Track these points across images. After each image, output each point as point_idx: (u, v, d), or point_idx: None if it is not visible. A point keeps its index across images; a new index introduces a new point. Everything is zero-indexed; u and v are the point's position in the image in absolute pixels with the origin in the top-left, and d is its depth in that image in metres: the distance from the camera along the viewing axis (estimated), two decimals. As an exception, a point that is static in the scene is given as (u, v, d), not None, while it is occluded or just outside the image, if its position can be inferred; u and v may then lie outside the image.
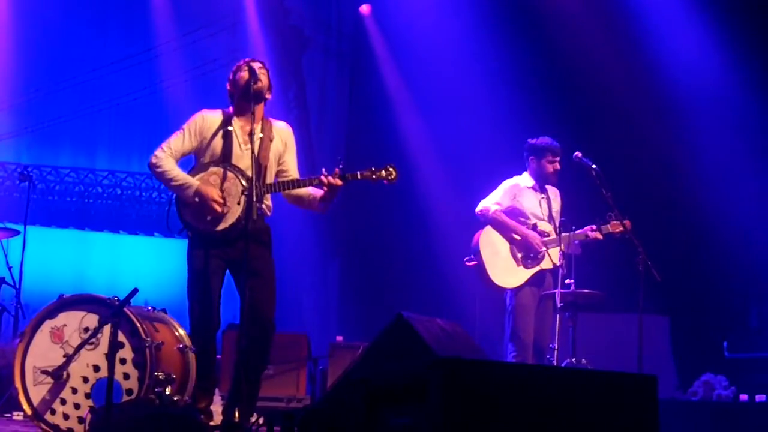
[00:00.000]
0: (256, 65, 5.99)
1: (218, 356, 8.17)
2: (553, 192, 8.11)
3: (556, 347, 7.45)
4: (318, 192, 6.01)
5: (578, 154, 7.64)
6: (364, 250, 12.54)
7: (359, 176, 5.89)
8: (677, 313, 10.11)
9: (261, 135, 5.95)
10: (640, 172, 10.53)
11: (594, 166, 7.52)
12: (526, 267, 7.78)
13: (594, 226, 7.76)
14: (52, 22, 13.60)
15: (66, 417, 5.59)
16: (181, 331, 6.01)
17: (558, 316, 7.50)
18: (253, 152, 5.72)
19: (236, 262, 5.81)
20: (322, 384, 8.52)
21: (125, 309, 5.50)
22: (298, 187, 5.98)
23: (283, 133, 6.14)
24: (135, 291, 5.46)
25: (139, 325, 5.57)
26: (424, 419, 3.73)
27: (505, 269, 7.79)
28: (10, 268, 9.12)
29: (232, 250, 5.82)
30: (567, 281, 7.53)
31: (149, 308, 6.05)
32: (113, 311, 5.39)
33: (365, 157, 12.82)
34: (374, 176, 5.91)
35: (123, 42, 14.00)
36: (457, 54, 11.53)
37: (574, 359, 7.48)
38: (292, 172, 6.13)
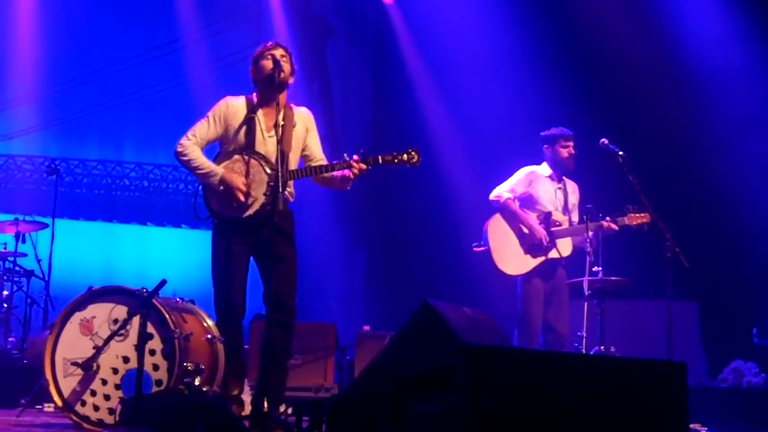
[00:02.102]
0: (278, 53, 6.03)
1: (246, 346, 8.28)
2: (571, 186, 8.20)
3: (584, 335, 7.43)
4: (341, 172, 6.06)
5: (604, 140, 7.63)
6: (390, 239, 12.53)
7: (380, 161, 5.96)
8: (706, 300, 10.04)
9: (283, 122, 5.96)
10: (667, 157, 10.46)
11: (620, 153, 7.50)
12: (533, 256, 7.89)
13: (609, 218, 7.75)
14: (77, 15, 13.65)
15: (96, 408, 5.62)
16: (209, 322, 6.03)
17: (586, 303, 7.49)
18: (279, 142, 5.80)
19: (260, 248, 5.93)
20: (350, 373, 8.54)
21: (154, 300, 5.52)
22: (323, 173, 6.05)
23: (304, 119, 6.19)
24: (163, 282, 5.50)
25: (167, 316, 5.59)
26: (452, 407, 3.73)
27: (511, 256, 7.91)
28: (39, 261, 9.20)
29: (256, 236, 5.92)
30: (595, 269, 7.51)
31: (177, 299, 6.07)
32: (142, 302, 5.42)
33: (391, 147, 12.80)
34: (396, 160, 5.98)
35: (148, 34, 14.05)
36: (480, 41, 11.49)
37: (602, 347, 7.48)
38: (317, 155, 6.22)
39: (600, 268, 7.53)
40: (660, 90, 10.62)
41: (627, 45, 10.63)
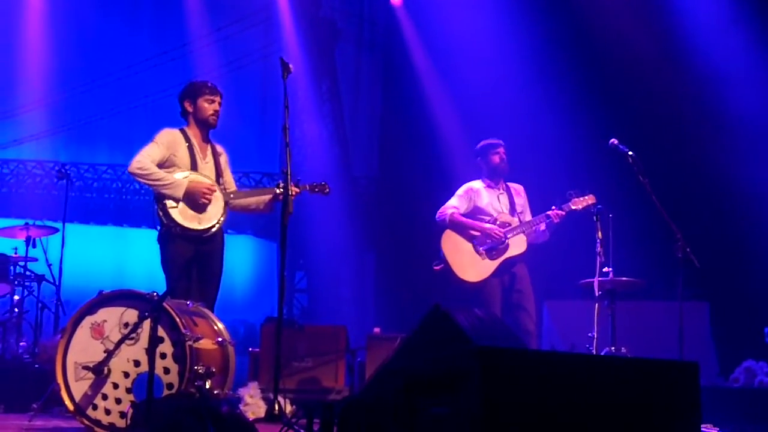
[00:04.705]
0: (218, 100, 6.80)
1: (257, 349, 8.32)
2: (516, 189, 8.35)
3: (595, 335, 7.42)
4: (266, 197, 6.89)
5: (614, 141, 7.61)
6: (399, 241, 12.54)
7: (308, 188, 6.83)
8: (717, 300, 10.03)
9: (213, 152, 6.83)
10: (678, 157, 10.45)
11: (630, 153, 7.48)
12: (491, 258, 7.99)
13: (554, 207, 7.94)
14: (87, 21, 13.72)
15: (108, 412, 5.62)
16: (220, 325, 6.04)
17: (597, 304, 7.48)
18: (215, 165, 6.62)
19: (203, 258, 6.62)
20: (361, 375, 8.54)
21: (164, 304, 5.53)
22: (260, 195, 6.94)
23: (224, 151, 6.97)
24: (174, 286, 5.52)
25: (178, 319, 5.59)
26: (463, 409, 3.72)
27: (470, 264, 8.01)
28: (50, 266, 9.21)
29: (204, 246, 6.60)
30: (605, 269, 7.49)
31: (188, 303, 6.08)
32: (153, 306, 5.43)
33: (399, 147, 12.85)
34: (316, 189, 6.88)
35: (157, 39, 14.10)
36: (489, 42, 11.48)
37: (613, 347, 7.46)
38: (233, 184, 6.98)
39: (610, 269, 7.52)
40: (671, 89, 10.60)
41: (637, 44, 10.62)
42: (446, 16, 11.86)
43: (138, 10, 14.53)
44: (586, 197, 7.89)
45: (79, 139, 14.53)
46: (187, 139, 6.70)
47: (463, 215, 8.15)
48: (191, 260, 6.54)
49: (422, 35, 12.53)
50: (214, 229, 6.58)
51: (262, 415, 6.07)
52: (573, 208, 7.89)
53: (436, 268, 8.11)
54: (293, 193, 6.36)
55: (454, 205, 8.19)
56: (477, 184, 8.30)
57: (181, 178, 6.53)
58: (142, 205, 14.51)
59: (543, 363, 3.95)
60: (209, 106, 6.75)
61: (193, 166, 6.64)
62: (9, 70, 13.50)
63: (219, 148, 6.92)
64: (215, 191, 6.57)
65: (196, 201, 6.49)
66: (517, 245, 8.00)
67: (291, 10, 13.27)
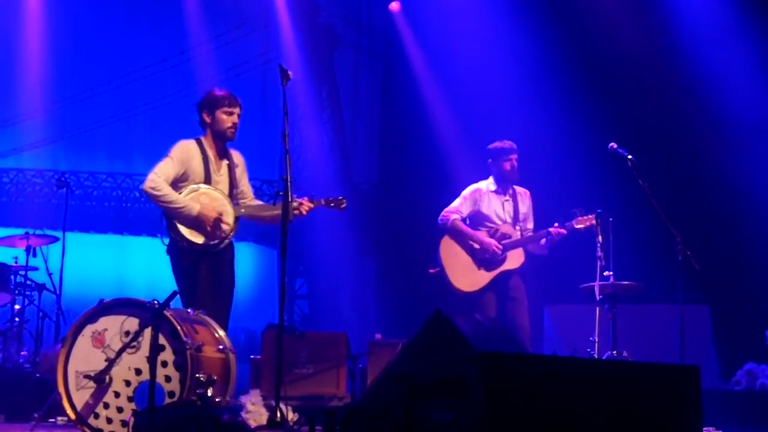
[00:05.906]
0: (237, 111, 6.73)
1: (258, 357, 8.31)
2: (521, 194, 8.30)
3: (597, 340, 7.42)
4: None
5: (613, 145, 7.62)
6: (400, 247, 12.53)
7: (323, 202, 6.83)
8: (718, 303, 10.02)
9: (228, 163, 6.77)
10: (678, 161, 10.45)
11: (630, 157, 7.48)
12: (487, 270, 7.99)
13: (557, 224, 7.90)
14: (85, 29, 13.71)
15: (109, 421, 5.62)
16: (221, 333, 6.03)
17: (598, 308, 7.48)
18: (230, 177, 6.65)
19: (215, 269, 6.59)
20: (362, 382, 8.54)
21: (165, 312, 5.53)
22: (271, 211, 6.68)
23: (241, 161, 6.91)
24: (174, 294, 5.53)
25: (179, 327, 5.59)
26: (466, 414, 3.72)
27: (465, 273, 8.04)
28: (50, 275, 9.21)
29: (213, 258, 6.58)
30: (606, 273, 7.50)
31: (189, 310, 6.08)
32: (153, 314, 5.42)
33: (399, 153, 12.86)
34: (332, 203, 6.88)
35: (156, 46, 14.09)
36: (488, 47, 11.49)
37: (614, 351, 7.46)
38: (250, 193, 6.98)
39: (611, 273, 7.53)
40: (670, 93, 10.61)
41: (637, 48, 10.63)
42: (445, 22, 11.87)
43: (137, 18, 14.53)
44: (588, 217, 7.81)
45: (79, 148, 14.52)
46: (203, 151, 6.65)
47: (466, 217, 8.14)
48: (201, 271, 6.50)
49: (421, 41, 12.54)
50: (222, 245, 6.56)
51: (264, 422, 6.05)
52: (576, 227, 7.84)
53: (431, 271, 8.11)
54: (307, 207, 6.44)
55: (458, 208, 8.16)
56: (484, 188, 8.25)
57: (189, 193, 6.50)
58: (142, 213, 14.49)
59: (545, 367, 3.95)
60: (228, 119, 6.67)
61: (207, 179, 6.60)
62: (7, 79, 13.50)
63: (236, 159, 6.86)
64: (222, 225, 6.50)
65: (202, 227, 6.46)
66: (515, 259, 7.99)
67: (290, 16, 13.28)
